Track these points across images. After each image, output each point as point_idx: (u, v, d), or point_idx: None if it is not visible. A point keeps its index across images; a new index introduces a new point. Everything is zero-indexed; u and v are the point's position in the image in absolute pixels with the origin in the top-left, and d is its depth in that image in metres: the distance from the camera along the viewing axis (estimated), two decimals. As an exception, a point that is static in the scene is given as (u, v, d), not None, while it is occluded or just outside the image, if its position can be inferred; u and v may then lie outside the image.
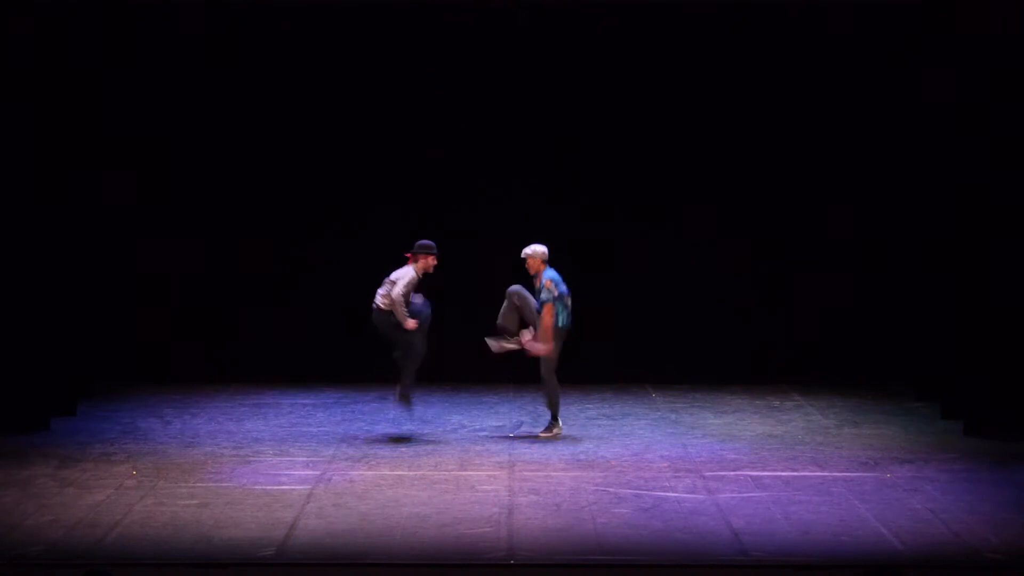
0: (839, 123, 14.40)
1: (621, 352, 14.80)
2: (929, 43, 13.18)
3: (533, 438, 12.09)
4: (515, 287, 12.10)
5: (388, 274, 12.03)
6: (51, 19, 12.60)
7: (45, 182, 12.72)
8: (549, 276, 11.99)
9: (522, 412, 13.12)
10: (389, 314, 11.91)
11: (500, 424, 12.71)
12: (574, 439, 12.08)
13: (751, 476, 10.71)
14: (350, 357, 14.51)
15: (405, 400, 12.15)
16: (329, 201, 14.69)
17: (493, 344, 12.16)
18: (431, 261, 12.00)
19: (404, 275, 11.92)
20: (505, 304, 12.08)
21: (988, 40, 12.42)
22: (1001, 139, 12.40)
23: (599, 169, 14.74)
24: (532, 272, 12.05)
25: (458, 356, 14.01)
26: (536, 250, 12.05)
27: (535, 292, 12.05)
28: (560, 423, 12.22)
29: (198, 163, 14.51)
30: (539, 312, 11.95)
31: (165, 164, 14.42)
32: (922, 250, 13.81)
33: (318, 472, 10.79)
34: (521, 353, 12.21)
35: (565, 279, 12.12)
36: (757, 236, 14.76)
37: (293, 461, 11.16)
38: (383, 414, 12.95)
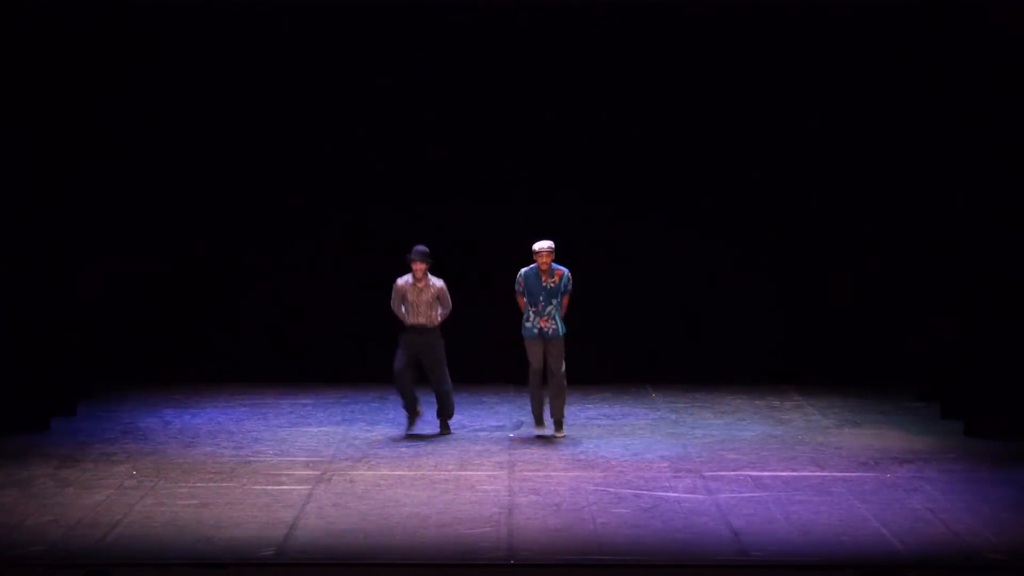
0: (839, 122, 14.40)
1: (621, 352, 14.80)
2: (929, 43, 13.19)
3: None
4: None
5: (389, 276, 12.14)
6: (50, 19, 12.62)
7: (44, 181, 12.72)
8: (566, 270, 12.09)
9: (522, 412, 13.10)
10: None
11: (500, 424, 12.71)
12: (574, 439, 12.08)
13: (751, 476, 10.71)
14: (350, 357, 14.52)
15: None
16: (330, 201, 14.69)
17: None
18: (413, 267, 12.02)
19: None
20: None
21: (988, 40, 12.42)
22: (1001, 139, 12.40)
23: (599, 169, 14.74)
24: (546, 267, 12.00)
25: (458, 356, 14.00)
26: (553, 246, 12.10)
27: (541, 287, 12.00)
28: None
29: (198, 163, 14.50)
30: (557, 301, 12.01)
31: (164, 163, 14.42)
32: (922, 250, 13.82)
33: (318, 472, 10.79)
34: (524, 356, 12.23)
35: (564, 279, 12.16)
36: (757, 236, 14.77)
37: (293, 461, 11.16)
38: (383, 414, 12.95)
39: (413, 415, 12.21)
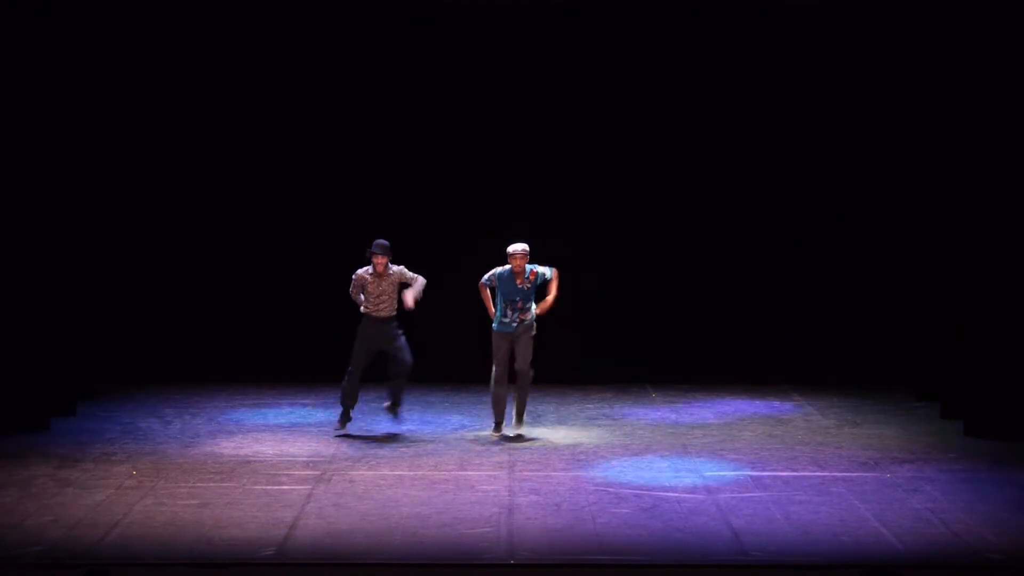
0: (839, 123, 14.42)
1: (621, 352, 14.80)
2: (930, 45, 13.20)
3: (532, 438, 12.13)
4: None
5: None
6: (51, 16, 12.62)
7: (46, 182, 12.72)
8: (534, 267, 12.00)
9: (522, 412, 13.12)
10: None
11: (500, 424, 12.71)
12: (574, 439, 12.08)
13: (751, 476, 10.71)
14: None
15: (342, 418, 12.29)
16: (329, 201, 14.68)
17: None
18: (373, 260, 12.01)
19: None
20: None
21: (990, 42, 12.43)
22: (1003, 140, 12.40)
23: (599, 169, 14.73)
24: (520, 270, 11.92)
25: (458, 356, 14.02)
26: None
27: (517, 289, 11.92)
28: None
29: (195, 162, 14.50)
30: (534, 297, 11.98)
31: (162, 164, 14.41)
32: (921, 249, 13.82)
33: (318, 472, 10.79)
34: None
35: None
36: (757, 237, 14.76)
37: (293, 461, 11.16)
38: (383, 414, 12.93)
39: (346, 417, 12.24)
